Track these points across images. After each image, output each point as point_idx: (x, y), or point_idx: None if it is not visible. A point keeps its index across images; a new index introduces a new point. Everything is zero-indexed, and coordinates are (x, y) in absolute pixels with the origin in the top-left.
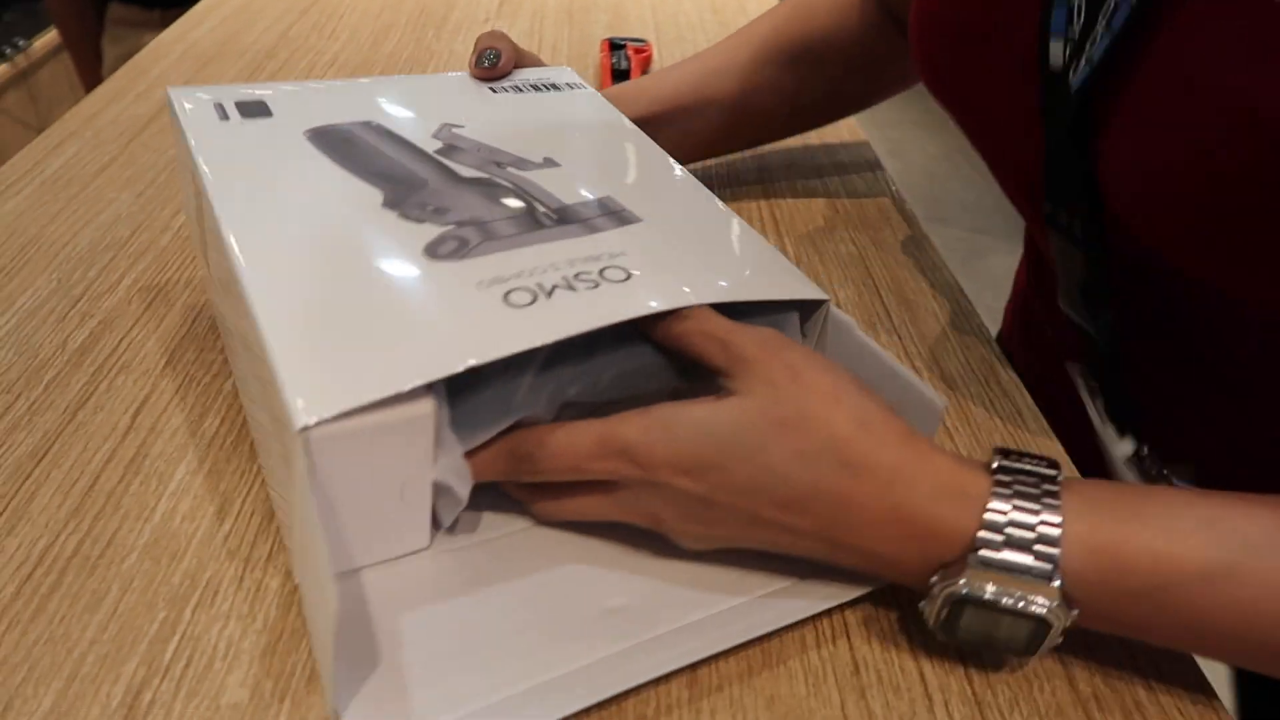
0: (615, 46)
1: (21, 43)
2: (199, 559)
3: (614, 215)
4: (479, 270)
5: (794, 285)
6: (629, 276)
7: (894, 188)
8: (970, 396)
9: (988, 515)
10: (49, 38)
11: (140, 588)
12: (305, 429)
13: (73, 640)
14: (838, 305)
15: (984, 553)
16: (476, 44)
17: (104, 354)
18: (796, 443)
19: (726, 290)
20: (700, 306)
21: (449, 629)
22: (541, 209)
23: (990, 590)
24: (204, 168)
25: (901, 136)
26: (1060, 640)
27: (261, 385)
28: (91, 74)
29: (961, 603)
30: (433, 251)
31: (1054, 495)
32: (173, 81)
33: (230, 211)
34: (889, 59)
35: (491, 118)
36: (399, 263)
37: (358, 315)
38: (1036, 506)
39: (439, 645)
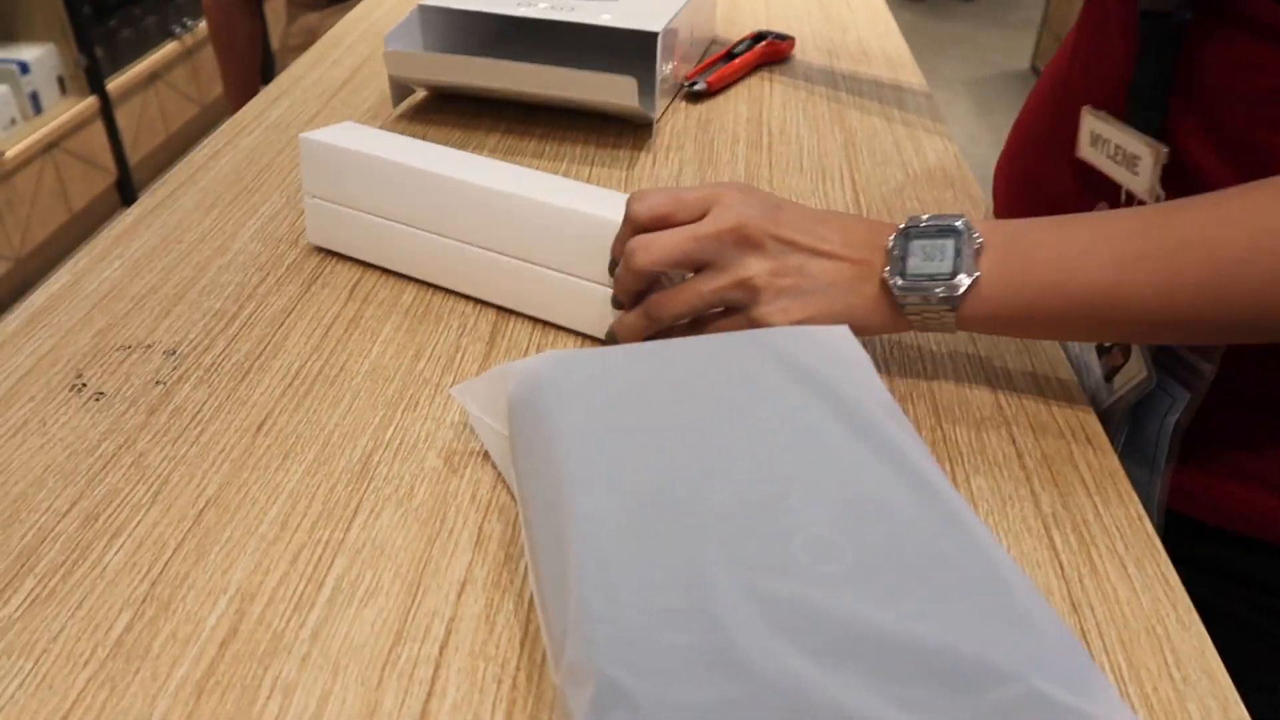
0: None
1: (189, 23)
2: (404, 382)
3: None
4: None
5: None
6: None
7: (958, 157)
8: None
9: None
10: None
11: (365, 396)
12: None
13: (323, 423)
14: None
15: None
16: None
17: (333, 249)
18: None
19: None
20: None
21: None
22: None
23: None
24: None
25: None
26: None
27: None
28: (236, 80)
29: (905, 234)
30: None
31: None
32: (359, 52)
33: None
34: None
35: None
36: None
37: None
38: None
39: None
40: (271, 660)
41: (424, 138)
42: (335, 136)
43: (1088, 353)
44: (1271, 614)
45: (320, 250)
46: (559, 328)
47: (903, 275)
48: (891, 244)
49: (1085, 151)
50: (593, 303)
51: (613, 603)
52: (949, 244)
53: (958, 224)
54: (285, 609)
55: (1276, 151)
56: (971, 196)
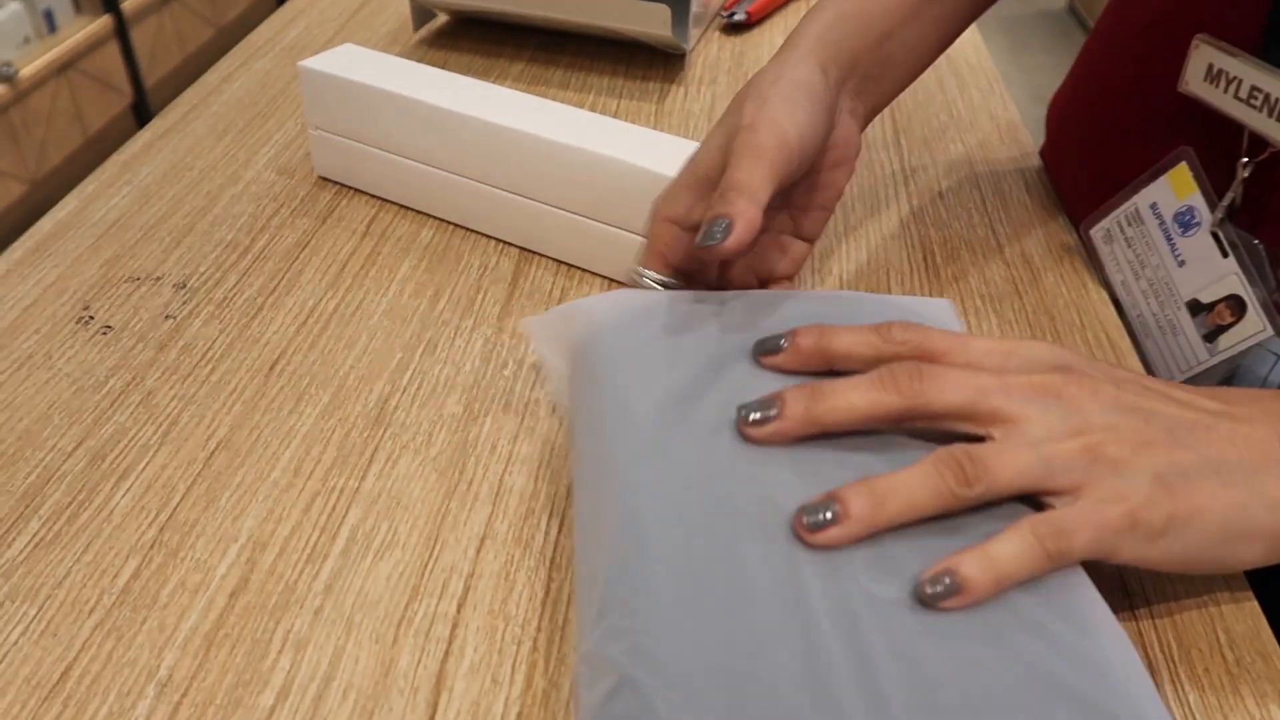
0: None
1: None
2: (422, 323)
3: None
4: None
5: None
6: None
7: (1005, 98)
8: (1044, 269)
9: None
10: None
11: (382, 337)
12: None
13: (338, 364)
14: (940, 195)
15: None
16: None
17: (342, 181)
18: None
19: None
20: None
21: None
22: None
23: None
24: None
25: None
26: None
27: None
28: None
29: None
30: None
31: None
32: None
33: None
34: None
35: None
36: None
37: None
38: None
39: None
40: (283, 614)
41: (444, 65)
42: (338, 65)
43: (1174, 309)
44: None
45: (336, 182)
46: (585, 270)
47: None
48: None
49: (1195, 86)
50: (620, 248)
51: (645, 598)
52: None
53: None
54: (298, 560)
55: None
56: (1019, 142)
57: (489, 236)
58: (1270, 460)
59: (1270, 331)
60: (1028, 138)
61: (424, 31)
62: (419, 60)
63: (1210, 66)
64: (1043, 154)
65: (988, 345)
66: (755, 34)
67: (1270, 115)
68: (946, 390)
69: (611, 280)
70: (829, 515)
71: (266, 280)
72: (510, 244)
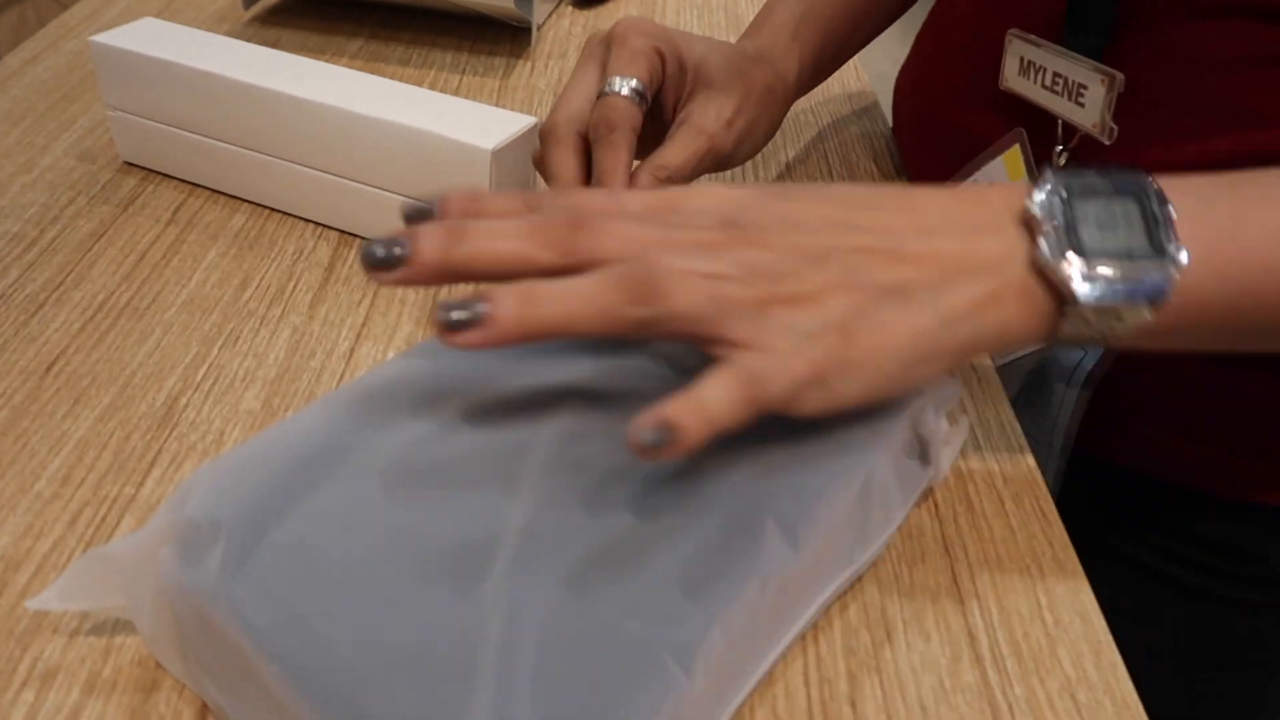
0: None
1: None
2: (224, 314)
3: None
4: None
5: None
6: None
7: (859, 71)
8: None
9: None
10: None
11: (178, 331)
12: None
13: (125, 362)
14: (787, 166)
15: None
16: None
17: (148, 165)
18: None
19: None
20: None
21: None
22: None
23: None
24: None
25: None
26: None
27: None
28: None
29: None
30: None
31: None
32: None
33: None
34: None
35: None
36: None
37: None
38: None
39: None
40: (33, 639)
41: (276, 43)
42: (135, 40)
43: None
44: (1185, 563)
45: (143, 167)
46: None
47: (1082, 252)
48: (1041, 204)
49: (1013, 82)
50: None
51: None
52: (1132, 206)
53: (1139, 177)
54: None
55: (1231, 67)
56: (872, 116)
57: (307, 220)
58: (950, 271)
59: None
60: (881, 111)
61: (256, 9)
62: (248, 39)
63: (1022, 60)
64: (893, 127)
65: (645, 199)
66: (609, 8)
67: (1071, 99)
68: (604, 242)
69: None
70: (473, 314)
71: (53, 274)
72: (330, 227)
